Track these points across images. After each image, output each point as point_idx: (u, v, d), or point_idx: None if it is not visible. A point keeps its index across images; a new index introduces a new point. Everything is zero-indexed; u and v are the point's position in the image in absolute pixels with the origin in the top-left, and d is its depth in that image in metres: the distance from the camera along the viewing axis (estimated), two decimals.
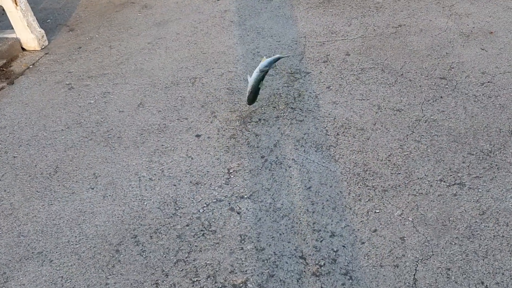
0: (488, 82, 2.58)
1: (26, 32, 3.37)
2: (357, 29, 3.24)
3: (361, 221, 1.87)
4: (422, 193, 1.97)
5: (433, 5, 3.44)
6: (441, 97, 2.51)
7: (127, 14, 3.85)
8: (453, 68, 2.73)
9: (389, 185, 2.02)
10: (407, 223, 1.85)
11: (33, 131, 2.57)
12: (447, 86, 2.58)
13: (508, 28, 3.06)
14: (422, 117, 2.38)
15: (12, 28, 3.45)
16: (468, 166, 2.08)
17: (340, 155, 2.20)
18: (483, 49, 2.87)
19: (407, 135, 2.28)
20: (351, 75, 2.77)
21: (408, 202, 1.93)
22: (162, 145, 2.38)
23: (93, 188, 2.16)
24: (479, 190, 1.96)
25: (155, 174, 2.20)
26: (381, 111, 2.46)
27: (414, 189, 1.99)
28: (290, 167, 2.17)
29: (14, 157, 2.40)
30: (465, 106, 2.42)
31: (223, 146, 2.33)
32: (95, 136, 2.49)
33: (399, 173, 2.07)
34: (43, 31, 3.47)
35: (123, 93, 2.82)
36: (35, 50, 3.42)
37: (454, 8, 3.37)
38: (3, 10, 3.52)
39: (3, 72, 3.18)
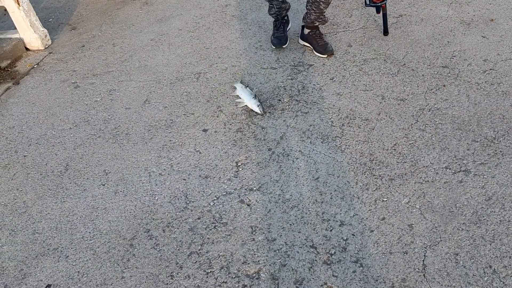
0: (490, 69, 2.61)
1: (29, 32, 3.39)
2: (358, 20, 3.26)
3: (369, 210, 1.91)
4: (428, 180, 2.00)
5: None
6: (444, 85, 2.53)
7: (129, 11, 3.86)
8: (455, 56, 2.75)
9: (395, 173, 2.06)
10: (414, 210, 1.89)
11: (41, 130, 2.61)
12: (449, 75, 2.61)
13: (509, 15, 3.08)
14: (426, 106, 2.41)
15: (15, 28, 3.47)
16: (473, 153, 2.11)
17: (346, 145, 2.24)
18: (484, 37, 2.89)
19: (412, 124, 2.31)
20: (354, 66, 2.79)
21: (415, 190, 1.97)
22: (170, 141, 2.41)
23: (104, 185, 2.20)
24: (485, 176, 1.99)
25: (164, 169, 2.24)
26: (385, 101, 2.49)
27: (420, 177, 2.02)
28: (297, 158, 2.20)
29: (25, 156, 2.43)
30: (468, 94, 2.45)
31: (230, 140, 2.37)
32: (103, 134, 2.52)
33: (405, 162, 2.11)
34: (46, 30, 3.50)
35: (128, 90, 2.84)
36: (38, 50, 3.44)
37: None
38: (5, 10, 3.54)
39: (8, 73, 3.21)
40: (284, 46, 3.01)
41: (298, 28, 3.16)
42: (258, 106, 2.50)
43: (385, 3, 2.85)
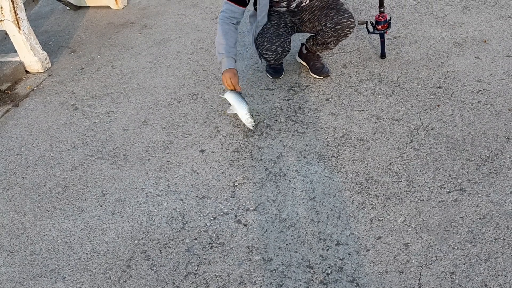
0: (484, 89, 2.65)
1: (30, 55, 3.44)
2: (353, 42, 3.31)
3: (365, 229, 1.92)
4: (423, 199, 2.02)
5: (427, 16, 3.53)
6: (438, 105, 2.57)
7: (128, 34, 3.93)
8: (448, 77, 2.80)
9: (391, 193, 2.07)
10: (410, 229, 1.90)
11: (40, 151, 2.63)
12: (443, 95, 2.65)
13: (501, 36, 3.14)
14: (420, 125, 2.44)
15: (16, 52, 3.52)
16: (467, 172, 2.13)
17: (342, 165, 2.26)
18: (477, 58, 2.94)
19: (406, 143, 2.34)
20: (349, 87, 2.83)
21: (410, 209, 1.98)
22: (168, 161, 2.43)
23: (101, 206, 2.21)
24: (479, 195, 2.01)
25: (161, 190, 2.25)
26: (380, 121, 2.52)
27: (416, 196, 2.04)
28: (293, 178, 2.22)
29: (23, 177, 2.45)
30: (462, 113, 2.49)
31: (227, 160, 2.39)
32: (101, 155, 2.54)
33: (400, 181, 2.12)
34: (46, 53, 3.55)
35: (127, 112, 2.88)
36: (38, 73, 3.49)
37: (447, 19, 3.46)
38: (6, 34, 3.61)
39: (8, 95, 3.25)
40: (280, 77, 3.03)
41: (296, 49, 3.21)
42: (250, 122, 2.52)
43: (388, 30, 2.90)
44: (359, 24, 2.93)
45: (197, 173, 2.33)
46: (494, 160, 2.18)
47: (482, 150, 2.24)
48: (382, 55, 3.05)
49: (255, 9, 2.73)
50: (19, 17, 3.32)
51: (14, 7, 3.27)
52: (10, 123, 2.92)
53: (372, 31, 2.93)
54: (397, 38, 3.28)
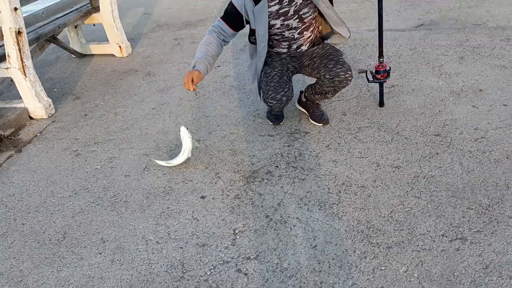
0: (482, 137, 2.68)
1: (34, 101, 3.51)
2: (351, 90, 3.38)
3: (368, 279, 1.90)
4: (425, 248, 2.01)
5: (423, 66, 3.62)
6: (437, 153, 2.60)
7: (131, 81, 4.01)
8: (446, 125, 2.84)
9: (393, 241, 2.06)
10: (412, 279, 1.88)
11: (41, 197, 2.63)
12: (442, 143, 2.68)
13: (497, 85, 3.21)
14: (420, 173, 2.46)
15: (20, 98, 3.59)
16: (469, 220, 2.13)
17: (343, 212, 2.26)
18: (474, 106, 3.00)
19: (407, 191, 2.35)
20: (349, 134, 2.87)
21: (413, 258, 1.97)
22: (168, 208, 2.43)
23: (101, 253, 2.19)
24: (481, 244, 2.00)
25: (161, 237, 2.24)
26: (380, 168, 2.54)
27: (418, 245, 2.03)
28: (294, 226, 2.21)
29: (23, 224, 2.44)
30: (461, 161, 2.51)
31: (228, 207, 2.39)
32: (102, 201, 2.54)
33: (402, 230, 2.12)
34: (50, 100, 3.61)
35: (128, 158, 2.90)
36: (42, 119, 3.54)
37: (443, 68, 3.54)
38: (12, 81, 3.68)
39: (11, 141, 3.29)
40: (281, 124, 3.08)
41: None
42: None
43: (387, 80, 2.97)
44: (359, 72, 3.00)
45: (198, 220, 2.33)
46: (494, 208, 2.18)
47: (482, 198, 2.24)
48: (381, 103, 3.11)
49: (251, 42, 2.78)
50: (25, 65, 3.41)
51: (21, 55, 3.36)
52: (12, 169, 2.94)
53: (372, 79, 3.00)
54: (395, 86, 3.35)
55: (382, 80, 2.98)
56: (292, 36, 2.70)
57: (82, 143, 3.13)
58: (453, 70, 3.49)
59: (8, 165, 2.99)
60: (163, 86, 3.83)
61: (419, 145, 2.69)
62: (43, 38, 3.88)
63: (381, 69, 2.92)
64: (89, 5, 4.49)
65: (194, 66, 2.56)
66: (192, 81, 2.48)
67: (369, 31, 4.47)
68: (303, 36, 2.73)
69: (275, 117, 3.08)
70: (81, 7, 4.51)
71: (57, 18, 4.20)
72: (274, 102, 2.76)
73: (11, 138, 3.31)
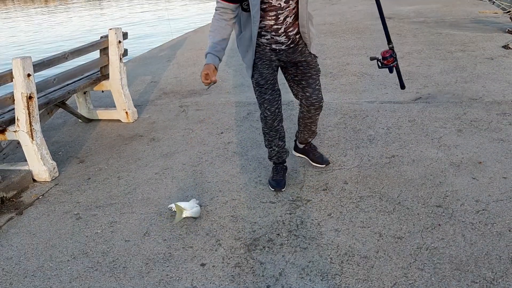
0: (483, 210, 2.69)
1: (39, 164, 3.55)
2: (352, 159, 3.43)
3: None
4: None
5: (423, 137, 3.70)
6: (439, 224, 2.59)
7: (136, 146, 4.08)
8: (447, 196, 2.85)
9: None
10: None
11: (39, 261, 2.59)
12: (443, 214, 2.68)
13: (496, 158, 3.26)
14: (423, 244, 2.44)
15: (25, 160, 3.64)
16: None
17: (346, 284, 2.22)
18: (474, 178, 3.03)
19: (410, 263, 2.32)
20: (351, 203, 2.88)
21: None
22: (167, 275, 2.39)
23: None
24: None
25: None
26: (382, 238, 2.52)
27: None
28: None
29: None
30: (464, 233, 2.50)
31: (228, 275, 2.35)
32: (100, 267, 2.51)
33: None
34: (55, 163, 3.66)
35: (129, 222, 2.89)
36: (45, 181, 3.57)
37: (442, 140, 3.62)
38: (18, 143, 3.75)
39: (12, 203, 3.29)
40: (282, 190, 3.12)
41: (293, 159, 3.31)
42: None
43: (397, 63, 3.06)
44: (370, 59, 3.10)
45: None
46: (499, 282, 2.14)
47: (486, 271, 2.21)
48: (402, 86, 3.18)
49: (244, 9, 2.80)
50: (33, 129, 3.49)
51: (30, 119, 3.45)
52: (12, 231, 2.92)
53: (381, 66, 3.08)
54: (395, 157, 3.41)
55: (390, 65, 3.05)
56: (279, 5, 2.75)
57: (84, 206, 3.14)
58: (452, 142, 3.56)
59: (8, 227, 2.97)
60: (167, 151, 3.89)
61: (420, 216, 2.69)
62: (52, 103, 4.00)
63: (387, 55, 3.01)
64: (99, 73, 4.66)
65: (206, 56, 2.75)
66: (208, 75, 2.66)
67: (368, 102, 4.60)
68: (289, 7, 2.77)
69: (277, 183, 3.11)
70: (91, 74, 4.68)
71: (68, 84, 4.35)
72: (269, 114, 2.95)
73: (13, 200, 3.32)
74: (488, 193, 2.85)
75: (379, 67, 3.11)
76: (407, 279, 2.21)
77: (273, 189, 3.12)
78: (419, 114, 4.21)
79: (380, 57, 3.07)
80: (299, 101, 3.12)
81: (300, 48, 2.92)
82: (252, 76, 2.95)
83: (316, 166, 3.37)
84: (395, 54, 3.02)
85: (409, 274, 2.24)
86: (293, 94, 3.14)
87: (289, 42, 2.88)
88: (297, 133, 3.35)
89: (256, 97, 3.00)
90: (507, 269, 2.21)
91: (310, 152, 3.44)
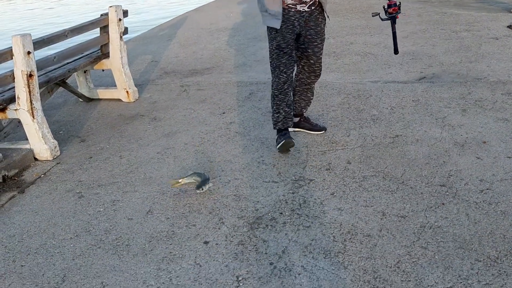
0: (487, 189, 2.68)
1: (40, 143, 3.53)
2: (356, 139, 3.41)
3: None
4: None
5: (427, 117, 3.67)
6: (443, 203, 2.58)
7: (137, 126, 4.06)
8: (451, 176, 2.84)
9: None
10: None
11: (42, 239, 2.59)
12: (447, 193, 2.67)
13: (500, 137, 3.23)
14: (427, 223, 2.44)
15: (26, 139, 3.62)
16: (477, 272, 2.08)
17: (349, 261, 2.21)
18: (478, 158, 3.01)
19: (414, 241, 2.31)
20: (354, 183, 2.86)
21: None
22: (170, 253, 2.39)
23: None
24: None
25: (163, 283, 2.19)
26: (385, 217, 2.51)
27: None
28: (299, 274, 2.16)
29: (22, 266, 2.39)
30: (468, 212, 2.49)
31: (231, 253, 2.35)
32: (103, 244, 2.50)
33: (409, 280, 2.07)
34: (56, 142, 3.64)
35: (132, 201, 2.88)
36: (47, 160, 3.55)
37: (446, 120, 3.59)
38: (19, 122, 3.72)
39: (14, 181, 3.28)
40: (292, 145, 3.25)
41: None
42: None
43: (399, 14, 3.11)
44: (373, 16, 3.19)
45: (200, 265, 2.28)
46: (503, 261, 2.14)
47: (490, 250, 2.21)
48: (395, 51, 3.28)
49: None
50: (34, 107, 3.46)
51: (30, 98, 3.42)
52: (14, 209, 2.92)
53: (384, 17, 3.13)
54: (399, 136, 3.38)
55: (394, 15, 3.09)
56: None
57: (86, 185, 3.13)
58: (456, 122, 3.53)
59: (10, 205, 2.97)
60: (168, 131, 3.87)
61: (424, 195, 2.68)
62: (52, 81, 3.95)
63: (392, 3, 3.06)
64: (99, 51, 4.61)
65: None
66: None
67: (372, 82, 4.55)
68: None
69: (284, 138, 3.23)
70: (91, 53, 4.63)
71: (68, 63, 4.30)
72: (284, 76, 3.10)
73: (15, 179, 3.31)
74: (492, 173, 2.83)
75: (381, 19, 3.18)
76: (410, 257, 2.21)
77: (283, 147, 3.25)
78: (423, 93, 4.17)
79: (386, 6, 3.12)
80: (297, 68, 3.27)
81: (316, 14, 3.05)
82: (274, 39, 3.04)
83: (316, 134, 3.52)
84: (400, 4, 3.07)
85: (413, 252, 2.24)
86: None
87: (311, 2, 2.99)
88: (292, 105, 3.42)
89: (272, 60, 3.10)
90: (511, 248, 2.20)
91: (306, 122, 3.56)
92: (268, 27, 3.07)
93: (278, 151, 3.30)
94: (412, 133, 3.42)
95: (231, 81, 5.07)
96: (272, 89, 3.20)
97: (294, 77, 3.30)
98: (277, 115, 3.24)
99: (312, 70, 3.23)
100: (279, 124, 3.26)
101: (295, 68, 3.24)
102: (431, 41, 5.89)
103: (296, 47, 3.15)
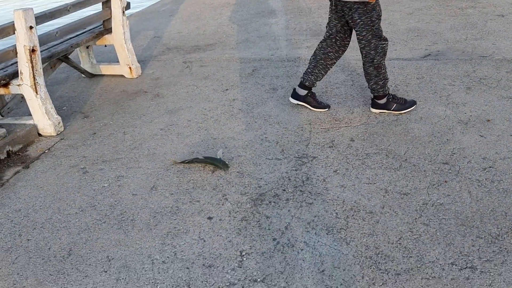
0: (490, 167, 2.68)
1: (44, 118, 3.54)
2: (359, 117, 3.41)
3: None
4: (435, 276, 1.98)
5: (431, 95, 3.65)
6: (446, 181, 2.59)
7: (140, 102, 4.05)
8: (454, 153, 2.84)
9: (401, 268, 2.04)
10: None
11: (47, 214, 2.62)
12: (450, 171, 2.68)
13: (504, 116, 3.22)
14: (429, 200, 2.45)
15: (30, 115, 3.62)
16: (478, 249, 2.11)
17: (351, 238, 2.24)
18: (482, 136, 3.01)
19: (416, 218, 2.33)
20: (357, 160, 2.87)
21: (422, 286, 1.94)
22: (175, 228, 2.42)
23: (106, 271, 2.17)
24: (491, 274, 1.97)
25: (168, 257, 2.22)
26: (388, 194, 2.53)
27: (427, 273, 2.00)
28: (302, 249, 2.19)
29: (28, 240, 2.43)
30: (470, 190, 2.50)
31: (234, 228, 2.37)
32: (108, 219, 2.53)
33: (411, 257, 2.10)
34: (59, 117, 3.64)
35: (136, 177, 2.90)
36: (51, 136, 3.56)
37: (450, 98, 3.57)
38: (22, 97, 3.73)
39: (19, 157, 3.30)
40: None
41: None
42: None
43: None
44: None
45: (204, 240, 2.31)
46: (504, 238, 2.16)
47: (492, 227, 2.23)
48: None
49: None
50: (37, 82, 3.45)
51: (33, 73, 3.40)
52: (19, 185, 2.94)
53: None
54: (403, 114, 3.37)
55: None
56: None
57: (90, 161, 3.14)
58: (460, 100, 3.52)
59: (15, 180, 2.99)
60: (171, 108, 3.86)
61: (427, 172, 2.69)
62: (55, 57, 3.93)
63: None
64: (101, 26, 4.57)
65: None
66: None
67: None
68: None
69: (408, 101, 3.41)
70: (93, 28, 4.59)
71: (70, 38, 4.27)
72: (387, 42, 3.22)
73: (19, 154, 3.33)
74: (496, 151, 2.83)
75: None
76: (412, 234, 2.23)
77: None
78: (428, 71, 4.14)
79: None
80: (330, 42, 3.35)
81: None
82: (374, 9, 3.04)
83: (320, 111, 3.54)
84: None
85: (414, 229, 2.26)
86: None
87: None
88: (308, 76, 3.44)
89: (377, 30, 3.12)
90: None
91: (312, 98, 3.55)
92: None
93: (405, 112, 3.38)
94: (416, 111, 3.41)
95: (234, 57, 5.03)
96: (381, 57, 3.19)
97: (322, 49, 3.37)
98: (387, 80, 3.31)
99: (344, 45, 3.33)
100: (387, 87, 3.33)
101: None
102: (436, 18, 5.81)
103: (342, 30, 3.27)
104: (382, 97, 3.35)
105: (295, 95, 3.56)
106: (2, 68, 3.57)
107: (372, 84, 3.30)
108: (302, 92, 3.51)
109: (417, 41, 4.96)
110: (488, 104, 3.41)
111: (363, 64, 3.27)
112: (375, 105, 3.41)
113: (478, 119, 3.22)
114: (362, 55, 3.25)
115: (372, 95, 3.52)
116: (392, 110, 3.37)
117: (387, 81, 3.30)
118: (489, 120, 3.19)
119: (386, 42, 3.17)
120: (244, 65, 4.75)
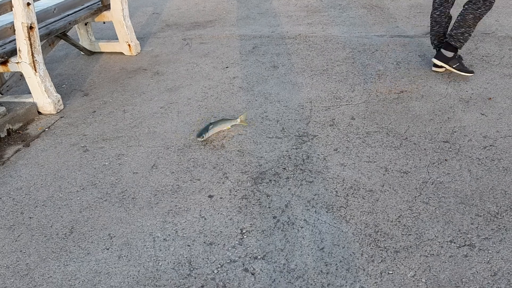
0: (490, 145, 2.68)
1: (43, 96, 3.52)
2: (360, 95, 3.39)
3: (375, 283, 1.89)
4: (433, 254, 2.00)
5: (432, 73, 3.62)
6: (446, 160, 2.59)
7: (140, 80, 4.02)
8: (455, 132, 2.84)
9: (400, 246, 2.06)
10: (420, 284, 1.87)
11: (48, 192, 2.63)
12: (450, 150, 2.68)
13: (506, 94, 3.21)
14: (429, 179, 2.46)
15: (29, 93, 3.60)
16: (477, 227, 2.12)
17: (351, 216, 2.25)
18: (483, 114, 3.00)
19: (415, 196, 2.34)
20: (357, 138, 2.87)
21: (421, 263, 1.96)
22: (176, 206, 2.43)
23: (108, 249, 2.19)
24: (489, 251, 1.99)
25: (169, 235, 2.24)
26: (388, 173, 2.54)
27: (426, 250, 2.02)
28: (302, 227, 2.21)
29: (30, 217, 2.44)
30: (470, 168, 2.51)
31: (235, 207, 2.39)
32: (109, 197, 2.55)
33: (410, 234, 2.11)
34: (59, 95, 3.62)
35: (137, 155, 2.91)
36: (51, 114, 3.55)
37: (452, 76, 3.55)
38: (21, 75, 3.70)
39: (19, 135, 3.29)
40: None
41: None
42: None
43: None
44: None
45: (205, 218, 2.33)
46: (503, 216, 2.17)
47: (491, 205, 2.24)
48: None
49: None
50: (36, 60, 3.43)
51: (32, 50, 3.37)
52: (20, 163, 2.95)
53: None
54: (404, 92, 3.35)
55: None
56: None
57: (90, 139, 3.14)
58: (462, 78, 3.49)
59: (16, 159, 3.00)
60: (171, 86, 3.84)
61: (427, 151, 2.69)
62: (53, 34, 3.89)
63: None
64: (100, 3, 4.51)
65: None
66: None
67: (378, 36, 4.47)
68: None
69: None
70: (92, 4, 4.53)
71: (68, 15, 4.22)
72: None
73: (19, 133, 3.32)
74: (496, 129, 2.83)
75: None
76: (411, 212, 2.25)
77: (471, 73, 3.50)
78: (430, 48, 4.09)
79: None
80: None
81: None
82: None
83: (467, 76, 3.51)
84: None
85: (414, 207, 2.27)
86: None
87: None
88: (455, 34, 3.38)
89: None
90: None
91: (460, 61, 3.50)
92: None
93: (464, 74, 3.47)
94: (418, 89, 3.39)
95: (234, 34, 4.98)
96: (486, 10, 3.19)
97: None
98: (468, 40, 3.38)
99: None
100: (463, 46, 3.45)
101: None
102: None
103: None
104: (453, 49, 3.36)
105: (443, 58, 3.54)
106: (0, 46, 3.53)
107: (458, 31, 3.30)
108: (449, 54, 3.47)
109: (420, 18, 4.90)
110: (490, 82, 3.39)
111: (464, 11, 3.25)
112: (440, 56, 3.43)
113: (479, 97, 3.21)
114: (467, 3, 3.24)
115: (442, 44, 3.48)
116: (454, 67, 3.39)
117: (467, 42, 3.31)
118: (490, 98, 3.17)
119: (494, 1, 3.18)
120: (244, 42, 4.71)
